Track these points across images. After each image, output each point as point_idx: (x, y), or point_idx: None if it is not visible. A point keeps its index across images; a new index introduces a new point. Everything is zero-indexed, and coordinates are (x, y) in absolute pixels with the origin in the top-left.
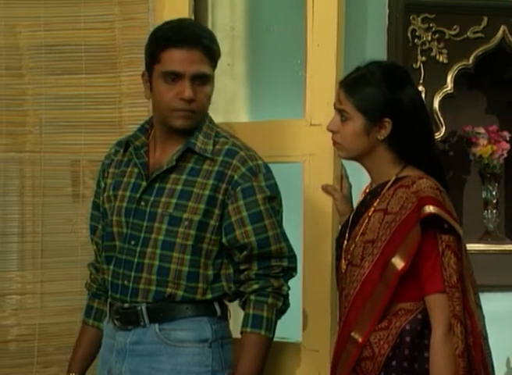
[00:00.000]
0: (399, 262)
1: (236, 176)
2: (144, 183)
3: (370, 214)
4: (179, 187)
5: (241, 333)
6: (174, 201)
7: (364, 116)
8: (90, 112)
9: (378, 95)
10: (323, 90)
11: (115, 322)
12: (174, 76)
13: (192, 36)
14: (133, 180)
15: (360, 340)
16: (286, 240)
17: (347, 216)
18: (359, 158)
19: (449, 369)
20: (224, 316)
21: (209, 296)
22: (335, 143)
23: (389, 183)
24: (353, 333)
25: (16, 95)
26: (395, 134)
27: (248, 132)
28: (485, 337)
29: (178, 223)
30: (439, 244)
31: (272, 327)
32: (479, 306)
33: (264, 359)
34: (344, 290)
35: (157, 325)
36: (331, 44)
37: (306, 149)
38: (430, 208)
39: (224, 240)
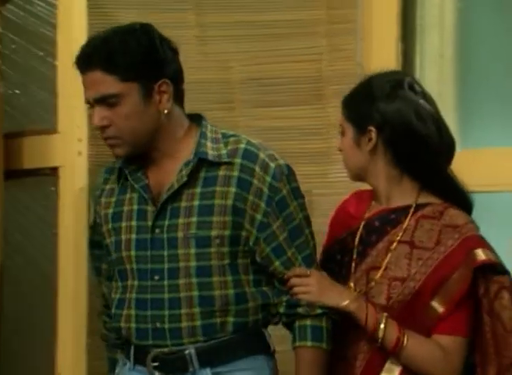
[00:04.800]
0: (438, 306)
1: (265, 190)
2: (151, 208)
3: (393, 247)
4: (197, 203)
5: (296, 347)
6: (195, 219)
7: (352, 125)
8: (297, 144)
9: (364, 103)
10: None
11: (154, 371)
12: (89, 105)
13: (83, 57)
14: (135, 207)
15: None
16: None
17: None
18: (362, 177)
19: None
20: (274, 352)
21: (260, 316)
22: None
23: (411, 213)
24: None
25: (228, 128)
26: (389, 149)
27: (460, 161)
28: None
29: (208, 243)
30: (490, 287)
31: (330, 339)
32: None
33: None
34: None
35: (208, 369)
36: None
37: None
38: (481, 255)
39: (258, 259)
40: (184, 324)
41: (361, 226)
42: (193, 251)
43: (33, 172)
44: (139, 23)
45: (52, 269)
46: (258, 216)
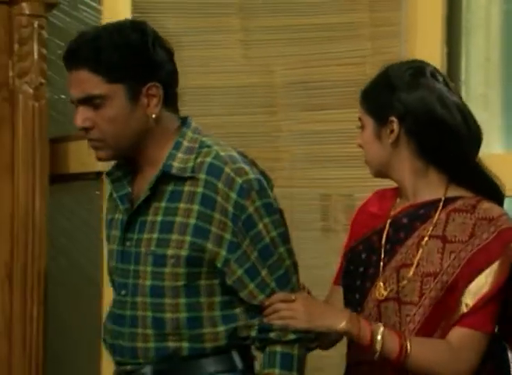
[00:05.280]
0: (467, 303)
1: (230, 208)
2: (126, 219)
3: (424, 243)
4: (159, 219)
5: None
6: (155, 236)
7: (372, 118)
8: (340, 147)
9: (383, 93)
10: None
11: None
12: (74, 105)
13: (70, 54)
14: (120, 216)
15: None
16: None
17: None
18: (384, 173)
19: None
20: (249, 370)
21: (222, 342)
22: None
23: (440, 206)
24: None
25: (271, 132)
26: (412, 139)
27: (504, 163)
28: None
29: (163, 263)
30: None
31: (303, 367)
32: None
33: None
34: (377, 320)
35: None
36: None
37: None
38: None
39: (229, 282)
40: (140, 344)
41: (388, 225)
42: (149, 269)
43: (78, 176)
44: (131, 20)
45: (97, 272)
46: (227, 236)
